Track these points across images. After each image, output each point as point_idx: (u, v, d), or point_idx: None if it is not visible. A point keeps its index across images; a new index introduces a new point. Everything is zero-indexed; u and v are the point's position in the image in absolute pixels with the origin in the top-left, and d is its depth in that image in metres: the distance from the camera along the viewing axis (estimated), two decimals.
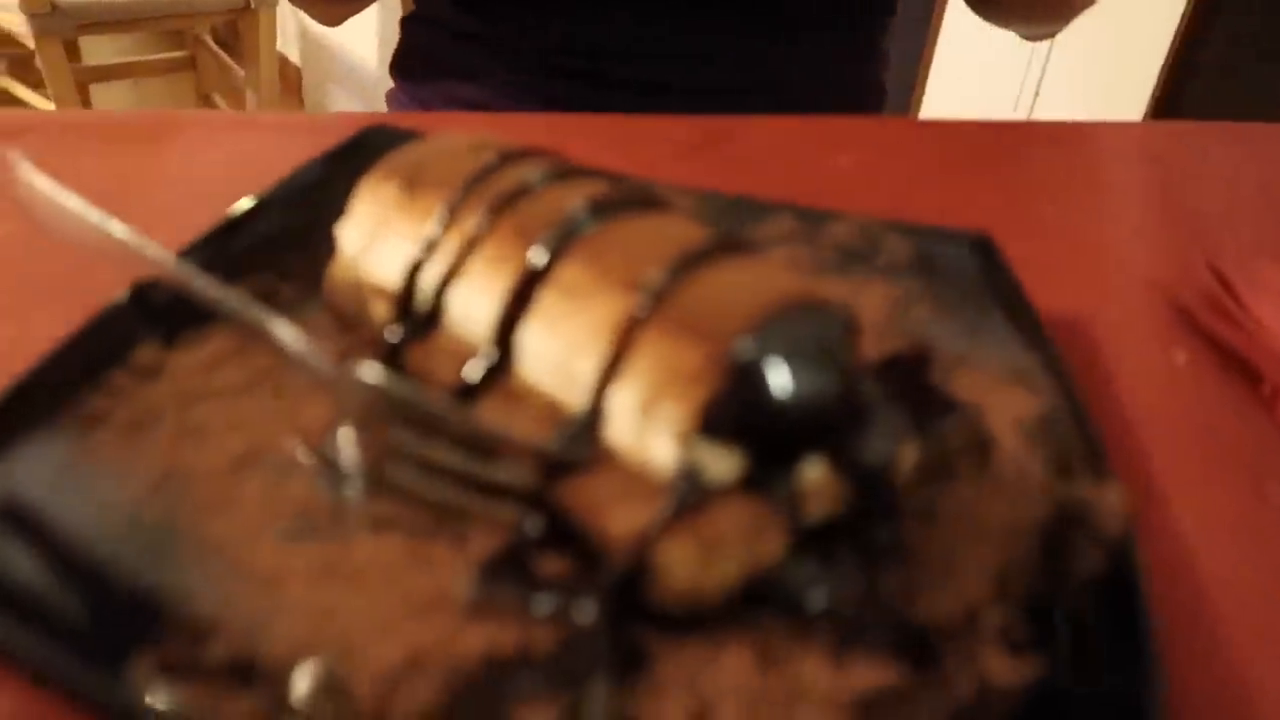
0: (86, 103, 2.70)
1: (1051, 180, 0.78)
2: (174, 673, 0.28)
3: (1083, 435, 0.43)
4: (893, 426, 0.38)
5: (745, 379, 0.33)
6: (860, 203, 0.70)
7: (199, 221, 0.52)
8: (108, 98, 2.97)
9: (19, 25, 2.26)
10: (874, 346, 0.50)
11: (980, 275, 0.55)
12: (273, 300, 0.47)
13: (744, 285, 0.36)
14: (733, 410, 0.33)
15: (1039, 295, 0.60)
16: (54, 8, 2.28)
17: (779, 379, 0.34)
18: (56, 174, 0.63)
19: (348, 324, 0.46)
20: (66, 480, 0.35)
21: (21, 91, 2.72)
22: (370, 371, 0.36)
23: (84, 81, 2.71)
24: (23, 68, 2.78)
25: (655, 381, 0.34)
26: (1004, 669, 0.32)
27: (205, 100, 3.11)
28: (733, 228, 0.59)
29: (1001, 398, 0.46)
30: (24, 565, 0.31)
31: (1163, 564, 0.41)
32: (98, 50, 2.98)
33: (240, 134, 0.71)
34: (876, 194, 0.73)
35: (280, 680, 0.29)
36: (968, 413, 0.45)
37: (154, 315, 0.44)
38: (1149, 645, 0.32)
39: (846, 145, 0.80)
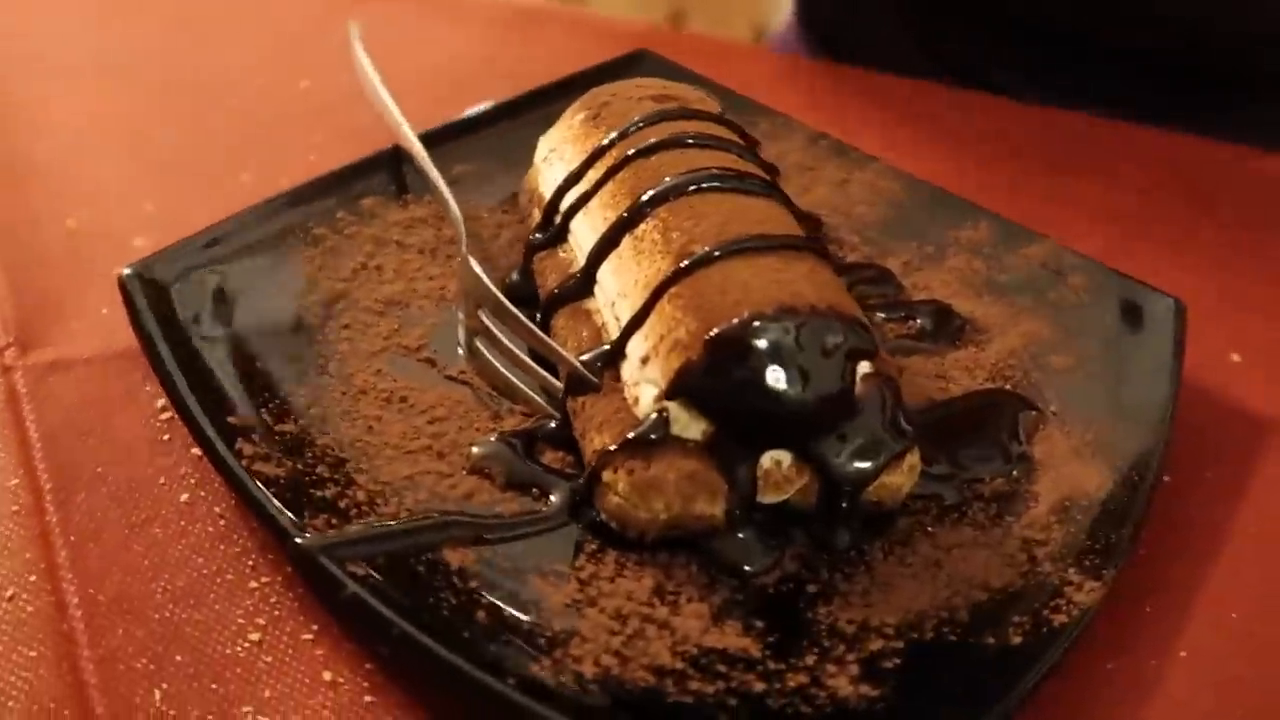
0: None
1: None
2: (251, 433, 0.41)
3: (1116, 530, 0.42)
4: (883, 448, 0.40)
5: (723, 359, 0.38)
6: (1129, 232, 0.66)
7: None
8: None
9: None
10: (988, 375, 0.50)
11: (1147, 342, 0.51)
12: (481, 183, 0.58)
13: (770, 281, 0.40)
14: (707, 382, 0.38)
15: (1240, 380, 0.55)
16: None
17: (755, 368, 0.38)
18: (400, 38, 0.77)
19: (525, 218, 0.55)
20: (275, 274, 0.49)
21: None
22: (474, 263, 0.45)
23: None
24: None
25: (657, 341, 0.40)
26: (847, 688, 0.35)
27: None
28: (928, 223, 0.59)
29: (1073, 469, 0.45)
30: (213, 330, 0.46)
31: None
32: None
33: (554, 28, 0.81)
34: (1153, 225, 0.67)
35: (319, 462, 0.41)
36: (1016, 469, 0.45)
37: (393, 174, 0.57)
38: None
39: (1151, 164, 0.73)
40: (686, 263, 0.41)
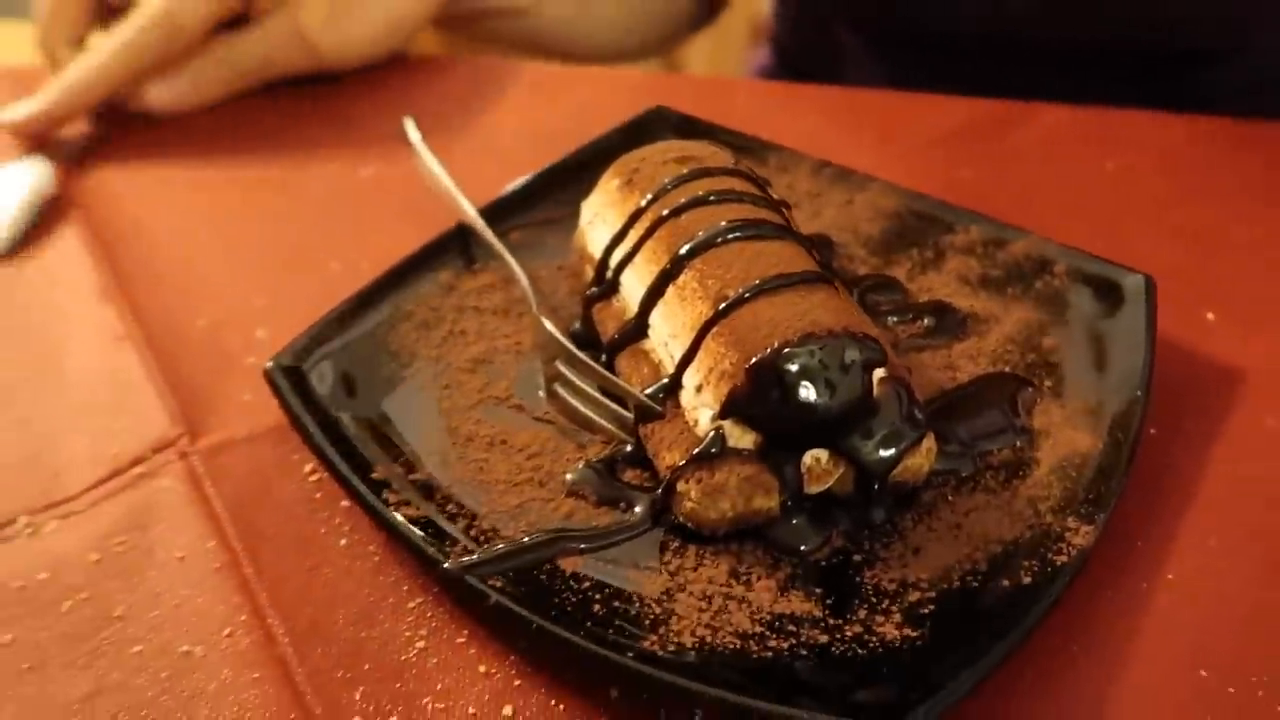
0: None
1: None
2: (390, 485, 0.51)
3: (1106, 482, 0.50)
4: (902, 438, 0.49)
5: (763, 383, 0.47)
6: (1108, 213, 0.74)
7: (530, 162, 0.73)
8: None
9: None
10: (990, 360, 0.59)
11: (1123, 316, 0.59)
12: (536, 246, 0.67)
13: (793, 314, 0.48)
14: (752, 402, 0.47)
15: (1214, 336, 0.62)
16: None
17: (791, 386, 0.47)
18: (470, 111, 0.87)
19: (578, 273, 0.65)
20: (384, 350, 0.59)
21: None
22: (548, 319, 0.55)
23: None
24: None
25: (707, 373, 0.49)
26: (894, 633, 0.44)
27: None
28: (924, 232, 0.68)
29: (1067, 434, 0.54)
30: (344, 404, 0.56)
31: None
32: None
33: (574, 88, 0.91)
34: (1130, 203, 0.75)
35: (449, 501, 0.51)
36: (1020, 440, 0.54)
37: (462, 248, 0.67)
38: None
39: (1124, 147, 0.81)
40: (724, 305, 0.50)
